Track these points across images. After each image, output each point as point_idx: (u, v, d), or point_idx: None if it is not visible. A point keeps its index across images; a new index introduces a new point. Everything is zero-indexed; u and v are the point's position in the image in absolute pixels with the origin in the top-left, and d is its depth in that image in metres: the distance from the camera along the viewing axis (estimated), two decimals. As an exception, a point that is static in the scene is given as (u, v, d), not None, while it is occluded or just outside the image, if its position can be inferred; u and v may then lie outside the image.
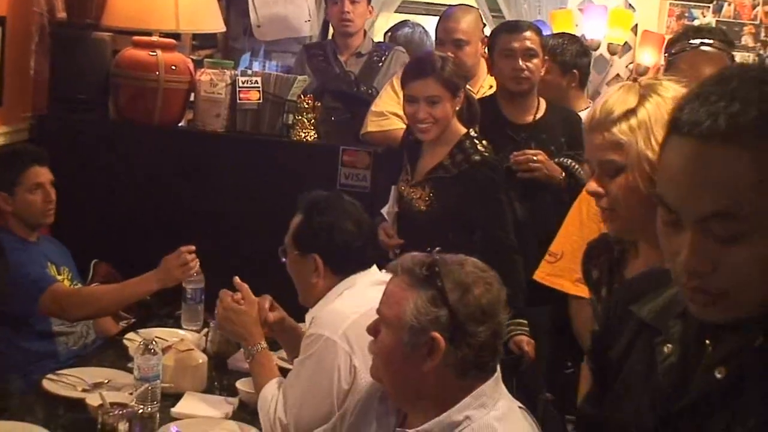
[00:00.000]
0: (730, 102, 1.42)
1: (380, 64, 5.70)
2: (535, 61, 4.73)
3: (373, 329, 2.60)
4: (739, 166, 1.41)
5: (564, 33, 5.48)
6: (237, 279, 3.57)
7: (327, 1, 5.80)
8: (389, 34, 6.91)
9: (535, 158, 4.58)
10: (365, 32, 5.89)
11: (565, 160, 4.59)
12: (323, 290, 3.33)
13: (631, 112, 2.34)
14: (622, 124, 2.34)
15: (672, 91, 2.33)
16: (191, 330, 4.22)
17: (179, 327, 4.26)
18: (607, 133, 2.34)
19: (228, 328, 3.54)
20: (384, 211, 4.35)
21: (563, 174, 4.58)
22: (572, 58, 5.14)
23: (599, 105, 2.38)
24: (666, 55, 4.34)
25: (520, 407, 2.59)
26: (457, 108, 4.25)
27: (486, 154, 4.22)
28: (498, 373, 2.55)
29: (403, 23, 6.96)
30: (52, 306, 4.10)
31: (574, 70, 5.11)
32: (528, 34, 4.71)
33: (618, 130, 2.34)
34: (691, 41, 4.03)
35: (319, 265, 3.32)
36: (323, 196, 3.47)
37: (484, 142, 4.26)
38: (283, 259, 3.45)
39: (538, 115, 4.74)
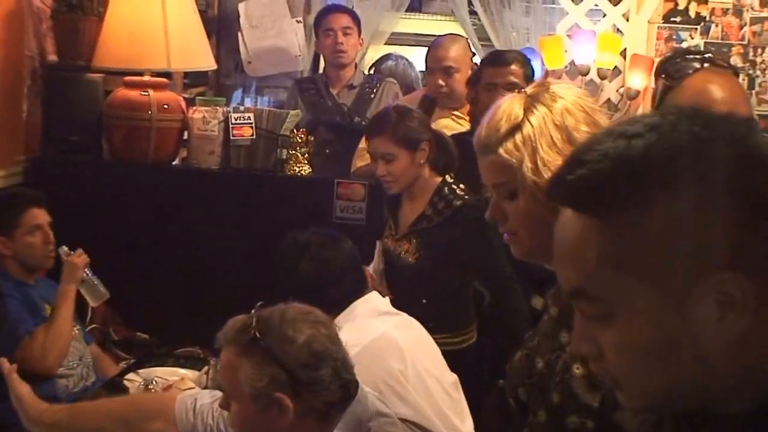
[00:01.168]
0: (585, 157, 1.25)
1: (372, 95, 5.72)
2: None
3: (224, 404, 2.58)
4: (589, 237, 1.24)
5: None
6: None
7: (319, 33, 5.81)
8: (373, 67, 6.95)
9: None
10: (356, 64, 5.91)
11: None
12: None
13: (515, 128, 2.04)
14: (507, 143, 2.05)
15: (560, 100, 2.06)
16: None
17: (179, 366, 4.24)
18: (493, 155, 2.06)
19: None
20: (370, 268, 4.27)
21: None
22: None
23: (485, 122, 2.10)
24: (663, 79, 4.34)
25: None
26: (423, 160, 4.17)
27: (466, 196, 4.16)
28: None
29: (387, 56, 7.00)
30: (34, 354, 4.10)
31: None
32: (513, 68, 4.67)
33: (504, 150, 2.05)
34: (694, 63, 4.02)
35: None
36: (290, 238, 3.46)
37: (461, 185, 4.20)
38: None
39: None
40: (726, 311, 1.19)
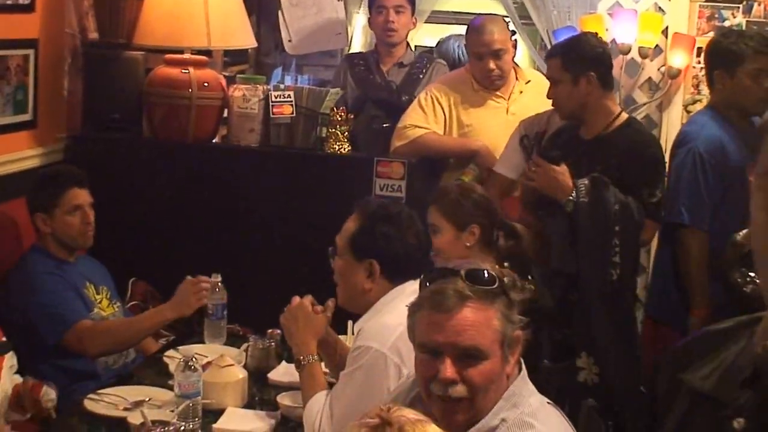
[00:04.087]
0: None
1: (421, 75, 5.73)
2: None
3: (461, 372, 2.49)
4: None
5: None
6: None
7: (371, 10, 5.81)
8: (436, 46, 6.94)
9: (532, 167, 4.49)
10: (407, 43, 5.90)
11: (583, 181, 4.32)
12: (373, 297, 3.33)
13: None
14: None
15: None
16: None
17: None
18: None
19: (290, 329, 3.50)
20: None
21: (572, 195, 4.29)
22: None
23: None
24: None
25: (548, 403, 2.61)
26: (470, 243, 3.99)
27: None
28: (524, 371, 2.57)
29: (449, 37, 6.93)
30: (75, 343, 4.13)
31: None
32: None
33: None
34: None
35: (376, 271, 3.32)
36: (386, 204, 3.48)
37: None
38: (332, 261, 3.44)
39: (602, 132, 4.51)
40: None
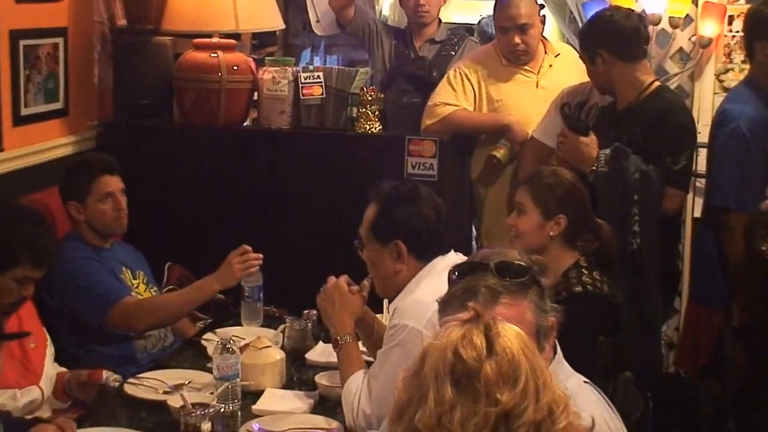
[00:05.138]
0: None
1: (453, 52, 5.72)
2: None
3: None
4: None
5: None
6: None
7: None
8: (478, 23, 7.02)
9: (560, 138, 4.50)
10: (440, 20, 5.89)
11: (605, 151, 4.32)
12: (406, 278, 3.34)
13: None
14: None
15: None
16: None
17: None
18: None
19: (326, 309, 3.50)
20: None
21: (596, 166, 4.31)
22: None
23: None
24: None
25: (585, 382, 2.59)
26: (554, 233, 3.85)
27: (589, 286, 3.75)
28: (559, 354, 2.55)
29: (489, 16, 6.92)
30: (120, 320, 4.14)
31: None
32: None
33: None
34: None
35: (403, 251, 3.33)
36: (397, 184, 3.47)
37: (595, 273, 3.82)
38: (360, 253, 3.44)
39: (632, 102, 4.51)
40: None
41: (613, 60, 4.47)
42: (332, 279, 3.53)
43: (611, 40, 4.49)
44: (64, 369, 3.85)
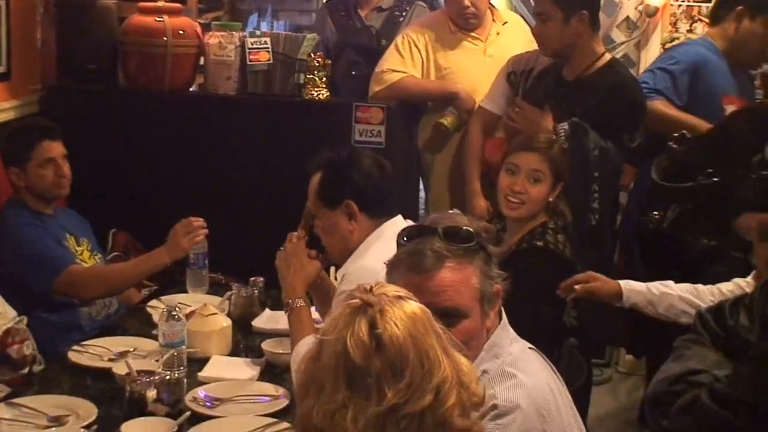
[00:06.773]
0: None
1: (401, 19, 5.65)
2: None
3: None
4: None
5: None
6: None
7: None
8: None
9: (513, 108, 4.51)
10: None
11: (563, 126, 4.29)
12: (359, 239, 3.35)
13: None
14: None
15: None
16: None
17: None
18: None
19: (281, 270, 3.46)
20: None
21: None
22: None
23: None
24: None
25: (530, 348, 2.61)
26: (552, 197, 3.94)
27: (551, 245, 3.83)
28: (504, 320, 2.57)
29: None
30: (67, 288, 4.11)
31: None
32: None
33: None
34: None
35: (354, 210, 3.35)
36: (334, 151, 3.47)
37: (559, 236, 3.88)
38: (316, 231, 3.45)
39: (584, 73, 4.51)
40: None
41: (589, 25, 4.44)
42: (293, 236, 3.50)
43: (594, 3, 4.48)
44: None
